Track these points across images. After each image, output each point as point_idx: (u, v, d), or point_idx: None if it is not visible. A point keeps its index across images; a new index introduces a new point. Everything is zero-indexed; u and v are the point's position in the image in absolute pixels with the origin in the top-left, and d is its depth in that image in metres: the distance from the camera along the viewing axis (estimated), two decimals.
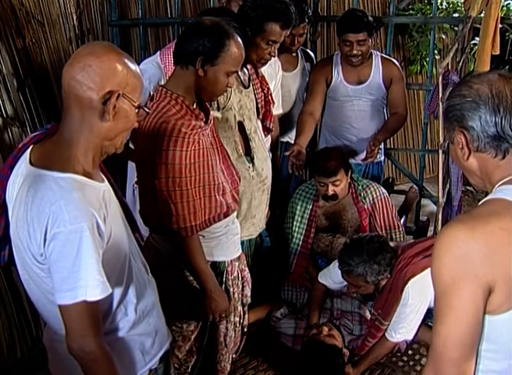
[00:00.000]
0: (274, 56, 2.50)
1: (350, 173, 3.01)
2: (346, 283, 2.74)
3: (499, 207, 1.13)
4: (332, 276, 2.82)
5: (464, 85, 1.22)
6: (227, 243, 2.12)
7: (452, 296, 1.10)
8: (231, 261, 2.16)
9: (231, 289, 2.16)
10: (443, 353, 1.12)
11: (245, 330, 2.37)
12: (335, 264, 2.73)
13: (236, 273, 2.19)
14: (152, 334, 1.57)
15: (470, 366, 1.13)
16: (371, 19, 3.13)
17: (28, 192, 1.32)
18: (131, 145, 2.19)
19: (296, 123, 3.20)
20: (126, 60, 1.37)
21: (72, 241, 1.27)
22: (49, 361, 1.61)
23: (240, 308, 2.23)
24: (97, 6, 3.51)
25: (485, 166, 1.21)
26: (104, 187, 1.43)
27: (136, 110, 1.40)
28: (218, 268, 2.13)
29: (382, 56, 3.29)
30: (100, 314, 1.38)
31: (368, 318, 2.81)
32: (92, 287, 1.29)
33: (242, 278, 2.24)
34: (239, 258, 2.22)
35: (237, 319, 2.21)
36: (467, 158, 1.23)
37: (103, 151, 1.42)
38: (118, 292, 1.45)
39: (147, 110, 1.43)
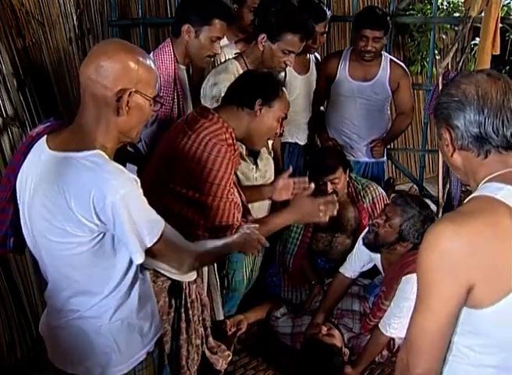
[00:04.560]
0: (290, 66, 2.48)
1: (348, 172, 3.02)
2: (367, 265, 2.78)
3: (483, 204, 1.16)
4: (355, 259, 2.81)
5: (453, 85, 1.25)
6: None
7: (433, 290, 1.15)
8: (188, 283, 2.10)
9: (190, 312, 2.11)
10: (417, 341, 1.18)
11: (214, 350, 2.26)
12: (359, 244, 2.76)
13: (194, 295, 2.13)
14: (149, 319, 1.61)
15: (441, 354, 1.20)
16: (388, 18, 3.18)
17: (57, 174, 1.37)
18: (130, 148, 2.19)
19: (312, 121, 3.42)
20: (138, 56, 1.42)
21: (130, 200, 1.37)
22: (48, 350, 1.62)
23: (201, 330, 2.16)
24: (97, 6, 3.51)
25: (470, 164, 1.25)
26: None
27: (151, 102, 1.46)
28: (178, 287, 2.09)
29: (391, 58, 3.33)
30: (176, 231, 1.54)
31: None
32: (159, 219, 1.47)
33: (201, 301, 2.19)
34: (195, 281, 2.15)
35: (199, 341, 2.14)
36: (452, 155, 1.27)
37: (118, 141, 1.49)
38: (131, 274, 1.50)
39: (162, 101, 1.51)
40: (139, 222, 1.40)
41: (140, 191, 1.43)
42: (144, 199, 1.44)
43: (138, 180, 1.44)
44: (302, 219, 2.01)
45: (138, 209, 1.40)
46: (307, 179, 2.25)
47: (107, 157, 1.41)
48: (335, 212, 2.00)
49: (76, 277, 1.46)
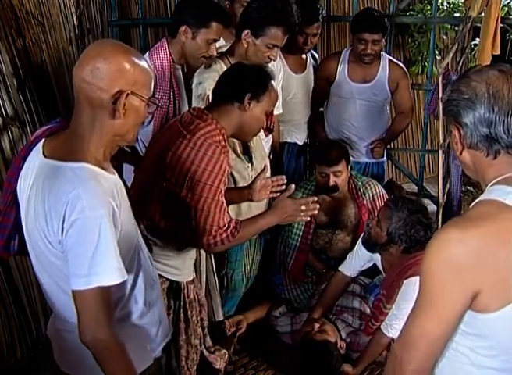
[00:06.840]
0: (274, 60, 2.50)
1: (349, 168, 3.04)
2: (367, 264, 2.80)
3: (491, 208, 1.14)
4: (355, 258, 2.82)
5: (464, 81, 1.21)
6: (183, 265, 2.12)
7: (436, 297, 1.13)
8: (186, 283, 2.14)
9: (189, 312, 2.14)
10: (416, 342, 1.17)
11: (212, 350, 2.29)
12: (359, 243, 2.76)
13: (192, 295, 2.17)
14: (157, 324, 1.59)
15: (438, 354, 1.20)
16: (386, 19, 3.18)
17: (44, 182, 1.35)
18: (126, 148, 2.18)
19: (311, 121, 3.42)
20: (134, 58, 1.40)
21: (91, 227, 1.30)
22: (55, 353, 1.60)
23: (199, 330, 2.19)
24: (97, 6, 3.51)
25: (479, 163, 1.22)
26: (116, 179, 1.47)
27: (146, 104, 1.44)
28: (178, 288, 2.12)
29: (389, 59, 3.33)
30: (112, 302, 1.39)
31: (369, 314, 2.80)
32: (109, 272, 1.32)
33: (199, 301, 2.22)
34: (193, 281, 2.20)
35: (197, 341, 2.17)
36: (461, 153, 1.24)
37: (114, 145, 1.46)
38: (129, 280, 1.46)
39: (157, 102, 1.47)
40: (82, 257, 1.30)
41: (112, 227, 1.33)
42: (111, 239, 1.32)
43: (117, 212, 1.36)
44: (285, 220, 2.06)
45: (92, 244, 1.30)
46: (284, 176, 2.31)
47: (95, 170, 1.36)
48: (315, 212, 2.04)
49: (64, 287, 1.42)
